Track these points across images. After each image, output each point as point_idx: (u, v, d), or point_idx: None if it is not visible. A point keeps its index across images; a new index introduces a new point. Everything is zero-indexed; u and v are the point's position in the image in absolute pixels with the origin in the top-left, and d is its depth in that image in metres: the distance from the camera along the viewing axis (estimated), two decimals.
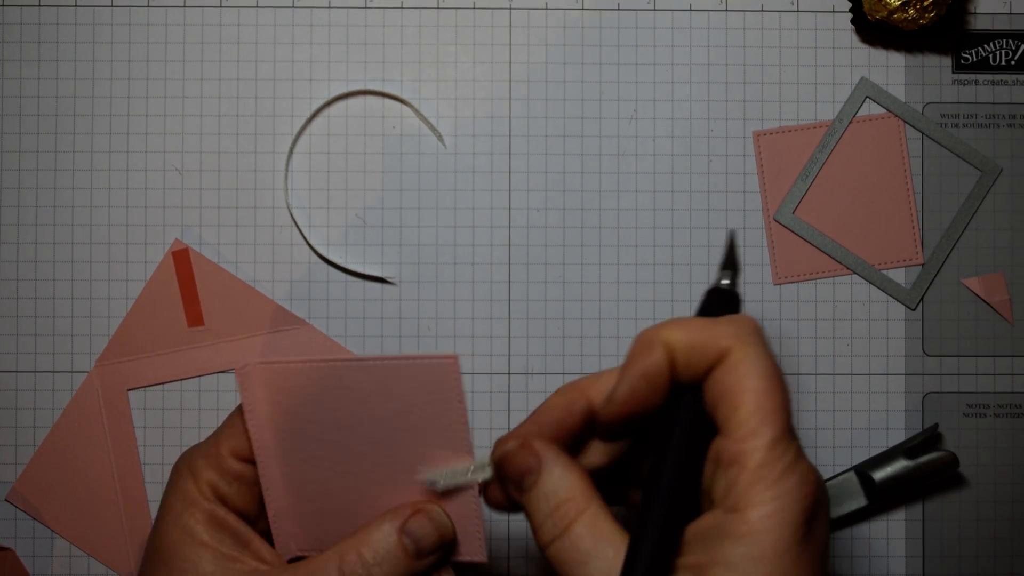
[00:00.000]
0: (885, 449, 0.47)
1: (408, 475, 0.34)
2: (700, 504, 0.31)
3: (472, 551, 0.34)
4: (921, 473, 0.45)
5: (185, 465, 0.35)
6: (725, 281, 0.34)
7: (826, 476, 0.47)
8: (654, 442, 0.32)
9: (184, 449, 0.37)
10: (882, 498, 0.46)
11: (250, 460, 0.35)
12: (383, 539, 0.33)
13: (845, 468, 0.47)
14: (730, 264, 0.35)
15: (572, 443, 0.34)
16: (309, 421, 0.34)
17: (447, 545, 0.34)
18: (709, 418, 0.31)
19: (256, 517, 0.36)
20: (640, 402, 0.31)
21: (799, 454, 0.29)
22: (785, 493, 0.28)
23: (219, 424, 0.37)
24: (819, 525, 0.29)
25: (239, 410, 0.35)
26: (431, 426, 0.34)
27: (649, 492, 0.31)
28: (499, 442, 0.33)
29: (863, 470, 0.46)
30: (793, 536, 0.28)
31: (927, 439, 0.46)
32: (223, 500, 0.35)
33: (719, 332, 0.30)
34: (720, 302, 0.34)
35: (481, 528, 0.34)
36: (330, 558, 0.33)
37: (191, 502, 0.34)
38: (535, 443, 0.32)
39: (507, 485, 0.33)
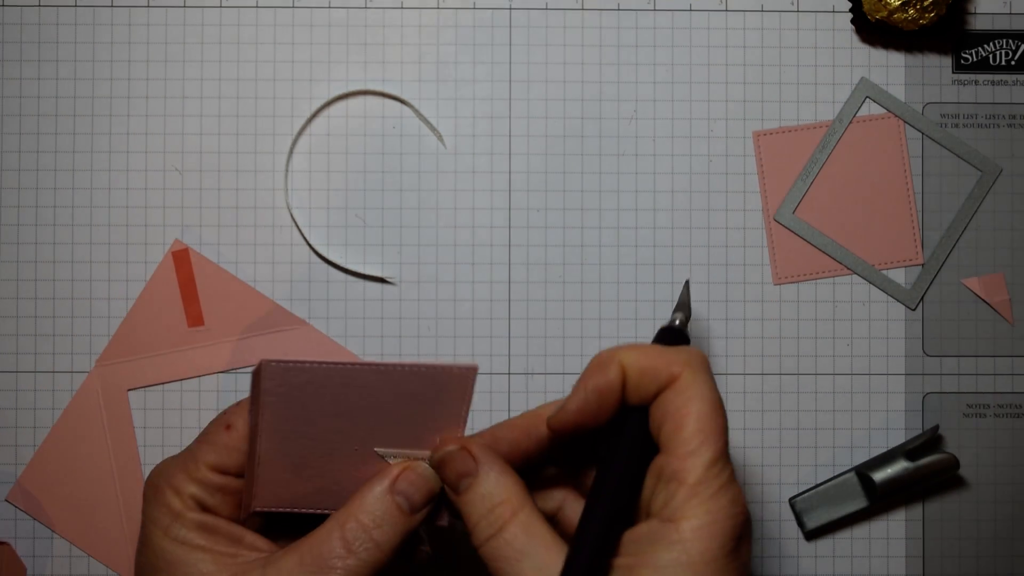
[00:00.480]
0: (886, 450, 0.47)
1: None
2: (637, 518, 0.34)
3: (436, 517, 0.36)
4: (921, 475, 0.45)
5: (163, 481, 0.35)
6: (677, 322, 0.38)
7: (826, 476, 0.47)
8: (600, 456, 0.34)
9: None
10: (882, 499, 0.46)
11: (231, 473, 0.35)
12: (377, 502, 0.34)
13: (846, 468, 0.47)
14: (682, 307, 0.39)
15: (526, 467, 0.36)
16: (314, 412, 0.35)
17: (435, 497, 0.36)
18: (652, 438, 0.33)
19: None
20: (589, 415, 0.34)
21: (732, 477, 0.32)
22: (718, 509, 0.31)
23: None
24: (744, 546, 0.32)
25: (217, 424, 0.36)
26: (430, 418, 0.35)
27: (593, 500, 0.33)
28: (440, 443, 0.35)
29: (864, 471, 0.46)
30: (721, 549, 0.31)
31: (928, 441, 0.46)
32: (208, 511, 0.35)
33: (672, 359, 0.33)
34: (671, 339, 0.37)
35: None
36: (331, 529, 0.34)
37: (177, 514, 0.34)
38: (473, 447, 0.34)
39: (445, 487, 0.35)
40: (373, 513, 0.34)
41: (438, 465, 0.35)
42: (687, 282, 0.41)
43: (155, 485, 0.35)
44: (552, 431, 0.35)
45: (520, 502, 0.33)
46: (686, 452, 0.32)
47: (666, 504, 0.31)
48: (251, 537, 0.35)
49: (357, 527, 0.34)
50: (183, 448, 0.45)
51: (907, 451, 0.46)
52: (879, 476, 0.45)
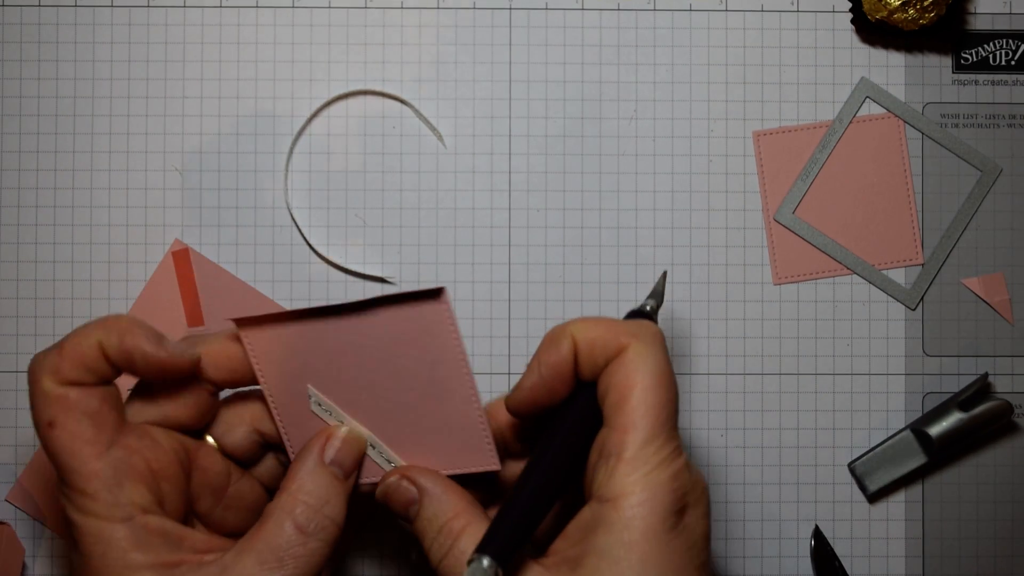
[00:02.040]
0: (938, 404, 0.47)
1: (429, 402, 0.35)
2: (583, 496, 0.33)
3: (484, 461, 0.35)
4: (976, 424, 0.45)
5: (75, 514, 0.32)
6: (648, 308, 0.37)
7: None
8: (546, 429, 0.34)
9: None
10: (941, 453, 0.46)
11: (109, 446, 0.32)
12: (316, 478, 0.34)
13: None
14: (655, 295, 0.38)
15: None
16: (315, 375, 0.34)
17: (362, 456, 0.35)
18: (599, 412, 0.32)
19: (163, 497, 0.33)
20: (545, 392, 0.33)
21: (676, 452, 0.31)
22: (657, 485, 0.30)
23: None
24: (693, 518, 0.31)
25: (44, 430, 0.32)
26: (426, 351, 0.34)
27: (528, 470, 0.32)
28: (383, 477, 0.35)
29: (919, 427, 0.46)
30: (662, 524, 0.30)
31: (979, 389, 0.46)
32: (134, 506, 0.32)
33: (621, 330, 0.32)
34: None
35: (490, 436, 0.35)
36: (280, 520, 0.33)
37: (107, 538, 0.31)
38: (412, 473, 0.34)
39: (397, 519, 0.35)
40: (316, 491, 0.33)
41: (383, 498, 0.35)
42: (664, 272, 0.40)
43: (73, 524, 0.32)
44: (511, 412, 0.34)
45: (469, 515, 0.33)
46: (626, 426, 0.31)
47: (606, 481, 0.31)
48: (190, 535, 0.33)
49: (307, 509, 0.33)
50: None
51: (960, 402, 0.45)
52: (935, 431, 0.45)
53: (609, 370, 0.32)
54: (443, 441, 0.35)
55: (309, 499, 0.33)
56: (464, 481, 0.35)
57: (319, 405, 0.35)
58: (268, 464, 0.38)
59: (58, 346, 0.32)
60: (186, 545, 0.33)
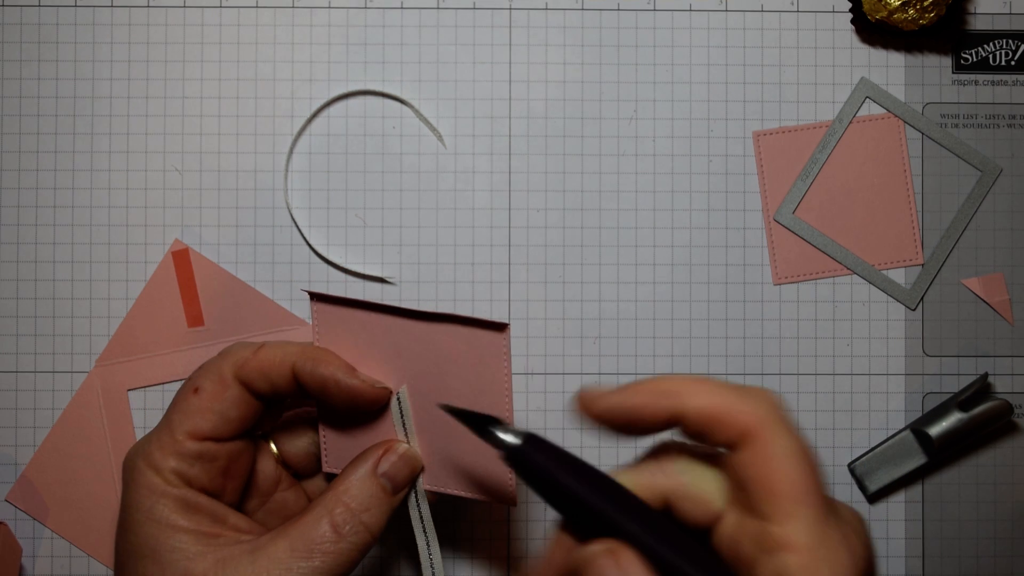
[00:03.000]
0: (938, 404, 0.47)
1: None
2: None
3: (503, 496, 0.36)
4: (976, 424, 0.45)
5: (141, 459, 0.35)
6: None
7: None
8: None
9: None
10: (941, 453, 0.46)
11: (209, 438, 0.35)
12: (363, 485, 0.35)
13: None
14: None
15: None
16: (369, 367, 0.36)
17: (417, 475, 0.36)
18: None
19: (223, 490, 0.36)
20: (624, 430, 0.31)
21: (837, 522, 0.29)
22: (842, 570, 0.28)
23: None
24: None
25: (184, 390, 0.35)
26: (474, 375, 0.35)
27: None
28: (594, 542, 0.31)
29: (919, 428, 0.46)
30: None
31: (979, 389, 0.46)
32: (188, 483, 0.35)
33: (741, 409, 0.30)
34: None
35: (513, 477, 0.35)
36: (319, 515, 0.34)
37: (160, 493, 0.34)
38: (623, 557, 0.30)
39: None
40: (359, 497, 0.35)
41: (582, 564, 0.30)
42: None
43: (132, 466, 0.35)
44: (591, 417, 0.32)
45: None
46: (786, 517, 0.29)
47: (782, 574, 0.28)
48: (234, 517, 0.35)
49: (346, 512, 0.34)
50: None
51: (960, 402, 0.46)
52: (935, 431, 0.45)
53: (743, 461, 0.30)
54: (469, 465, 0.36)
55: (351, 502, 0.34)
56: None
57: (399, 405, 0.36)
58: (321, 480, 0.40)
59: (256, 348, 0.35)
60: (229, 523, 0.35)
